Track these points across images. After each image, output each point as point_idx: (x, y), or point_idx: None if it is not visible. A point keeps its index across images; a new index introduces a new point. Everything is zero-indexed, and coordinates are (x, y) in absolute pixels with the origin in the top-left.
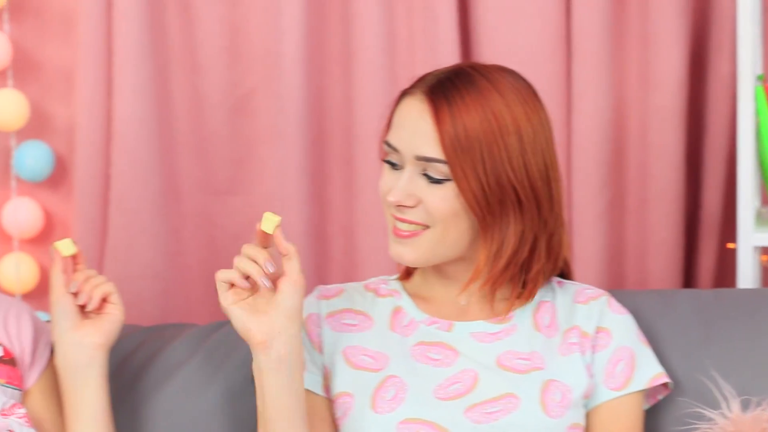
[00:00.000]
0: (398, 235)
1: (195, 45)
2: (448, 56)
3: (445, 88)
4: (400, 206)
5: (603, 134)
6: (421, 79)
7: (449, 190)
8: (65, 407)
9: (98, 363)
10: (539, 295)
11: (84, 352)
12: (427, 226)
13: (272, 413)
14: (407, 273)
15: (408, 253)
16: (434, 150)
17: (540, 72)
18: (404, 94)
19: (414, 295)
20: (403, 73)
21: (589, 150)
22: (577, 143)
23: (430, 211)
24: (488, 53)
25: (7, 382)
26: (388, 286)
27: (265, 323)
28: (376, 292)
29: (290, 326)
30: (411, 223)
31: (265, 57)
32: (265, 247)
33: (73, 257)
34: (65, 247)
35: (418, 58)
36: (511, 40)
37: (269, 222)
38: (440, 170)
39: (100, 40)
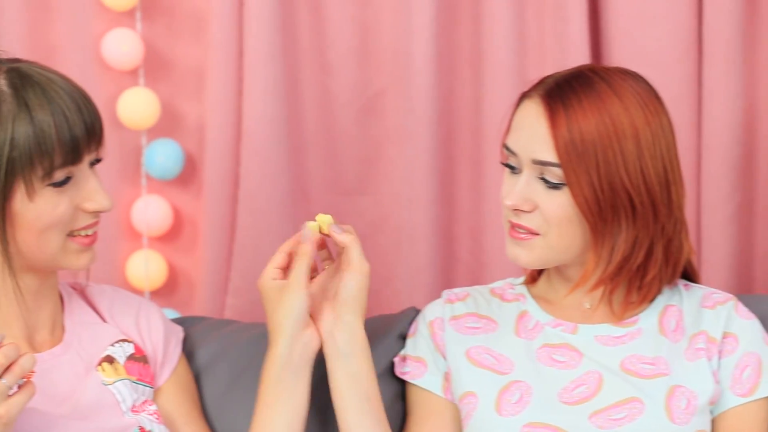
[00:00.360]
0: (514, 237)
1: (325, 45)
2: (578, 58)
3: (562, 92)
4: (516, 210)
5: (734, 137)
6: (540, 82)
7: (566, 196)
8: (266, 399)
9: (312, 366)
10: (665, 298)
11: (308, 351)
12: (538, 234)
13: (334, 394)
14: (533, 277)
15: (524, 255)
16: (549, 154)
17: (670, 74)
18: (523, 96)
19: (539, 298)
20: (533, 74)
21: (719, 153)
22: (707, 146)
23: (546, 216)
24: (618, 55)
25: (139, 379)
26: (514, 291)
27: (327, 312)
28: (502, 297)
29: (350, 314)
30: (526, 230)
31: (395, 57)
32: (323, 248)
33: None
34: (325, 225)
35: (548, 60)
36: (642, 42)
37: (322, 223)
38: (556, 174)
39: (231, 39)
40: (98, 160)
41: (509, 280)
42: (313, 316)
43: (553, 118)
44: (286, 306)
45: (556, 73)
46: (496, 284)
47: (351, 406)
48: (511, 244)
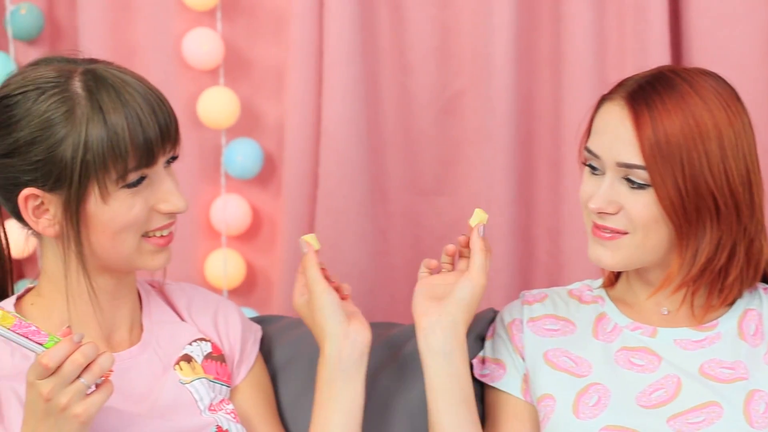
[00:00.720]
0: (598, 236)
1: (405, 45)
2: (658, 59)
3: (645, 93)
4: (601, 213)
5: None
6: (621, 84)
7: (651, 196)
8: (320, 400)
9: (366, 359)
10: (745, 302)
11: (357, 348)
12: (626, 233)
13: (430, 394)
14: (611, 280)
15: (607, 256)
16: (634, 156)
17: (752, 75)
18: (604, 99)
19: (618, 301)
20: (613, 75)
21: None
22: None
23: (632, 217)
24: (699, 56)
25: (216, 378)
26: (592, 293)
27: (433, 309)
28: (580, 299)
29: (456, 316)
30: (611, 230)
31: (475, 58)
32: (463, 249)
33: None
34: (314, 240)
35: (628, 61)
36: (723, 43)
37: (476, 217)
38: (641, 176)
39: (311, 39)
40: (174, 158)
41: (587, 282)
42: (416, 312)
43: (637, 120)
44: (316, 308)
45: (635, 74)
46: (574, 286)
47: (448, 407)
48: (594, 245)
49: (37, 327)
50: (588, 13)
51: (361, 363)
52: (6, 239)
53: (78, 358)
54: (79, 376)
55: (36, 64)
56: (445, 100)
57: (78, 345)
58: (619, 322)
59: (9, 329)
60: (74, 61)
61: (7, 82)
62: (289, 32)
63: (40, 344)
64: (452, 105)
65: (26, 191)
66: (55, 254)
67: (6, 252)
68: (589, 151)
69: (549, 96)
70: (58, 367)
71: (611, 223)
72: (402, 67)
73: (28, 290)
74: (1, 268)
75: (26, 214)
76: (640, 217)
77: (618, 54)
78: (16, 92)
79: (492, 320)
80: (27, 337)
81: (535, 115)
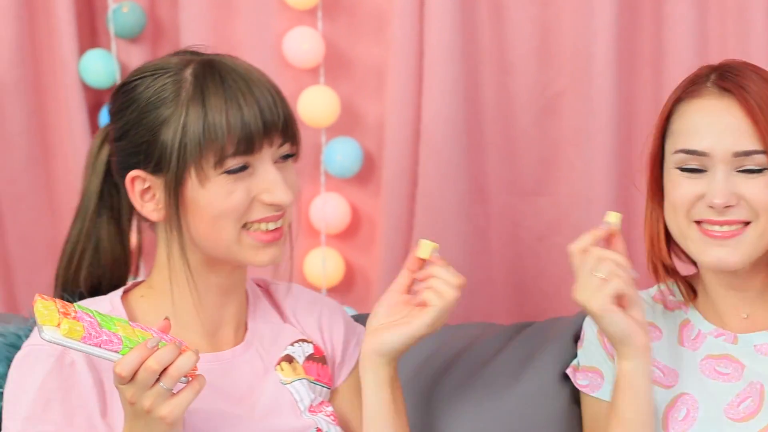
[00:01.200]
0: (713, 236)
1: (505, 45)
2: (760, 59)
3: (736, 81)
4: (724, 207)
5: None
6: (694, 83)
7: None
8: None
9: (372, 367)
10: None
11: (370, 345)
12: (748, 222)
13: (644, 417)
14: (689, 296)
15: (730, 254)
16: (753, 142)
17: None
18: (680, 100)
19: (700, 306)
20: None
21: None
22: None
23: (753, 204)
24: None
25: (317, 380)
26: (675, 298)
27: (644, 327)
28: (665, 305)
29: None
30: (734, 223)
31: (576, 58)
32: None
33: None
34: (424, 247)
35: None
36: None
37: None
38: (758, 161)
39: (411, 39)
40: (290, 156)
41: (670, 282)
42: (626, 334)
43: (747, 106)
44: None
45: (696, 73)
46: (653, 290)
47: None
48: (710, 247)
49: (109, 333)
50: (690, 13)
51: (368, 369)
52: (139, 237)
53: (152, 365)
54: (159, 380)
55: (167, 55)
56: (545, 100)
57: (152, 350)
58: (702, 328)
59: (79, 341)
60: (198, 54)
61: (135, 70)
62: (390, 31)
63: (116, 351)
64: (552, 105)
65: (132, 173)
66: (163, 244)
67: (130, 249)
68: (691, 152)
69: (650, 97)
70: (136, 373)
71: (734, 215)
72: (502, 67)
73: (136, 284)
74: (124, 263)
75: (133, 197)
76: (763, 201)
77: (719, 55)
78: (135, 77)
79: None
80: (99, 347)
81: (635, 116)
